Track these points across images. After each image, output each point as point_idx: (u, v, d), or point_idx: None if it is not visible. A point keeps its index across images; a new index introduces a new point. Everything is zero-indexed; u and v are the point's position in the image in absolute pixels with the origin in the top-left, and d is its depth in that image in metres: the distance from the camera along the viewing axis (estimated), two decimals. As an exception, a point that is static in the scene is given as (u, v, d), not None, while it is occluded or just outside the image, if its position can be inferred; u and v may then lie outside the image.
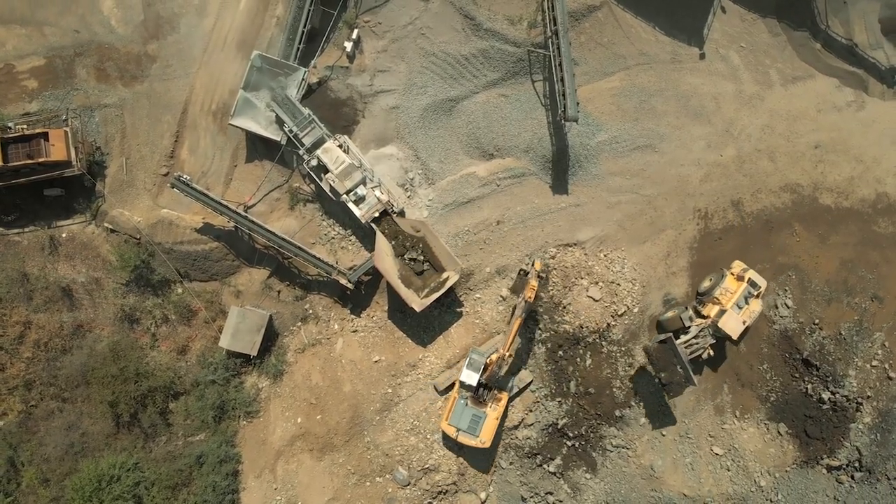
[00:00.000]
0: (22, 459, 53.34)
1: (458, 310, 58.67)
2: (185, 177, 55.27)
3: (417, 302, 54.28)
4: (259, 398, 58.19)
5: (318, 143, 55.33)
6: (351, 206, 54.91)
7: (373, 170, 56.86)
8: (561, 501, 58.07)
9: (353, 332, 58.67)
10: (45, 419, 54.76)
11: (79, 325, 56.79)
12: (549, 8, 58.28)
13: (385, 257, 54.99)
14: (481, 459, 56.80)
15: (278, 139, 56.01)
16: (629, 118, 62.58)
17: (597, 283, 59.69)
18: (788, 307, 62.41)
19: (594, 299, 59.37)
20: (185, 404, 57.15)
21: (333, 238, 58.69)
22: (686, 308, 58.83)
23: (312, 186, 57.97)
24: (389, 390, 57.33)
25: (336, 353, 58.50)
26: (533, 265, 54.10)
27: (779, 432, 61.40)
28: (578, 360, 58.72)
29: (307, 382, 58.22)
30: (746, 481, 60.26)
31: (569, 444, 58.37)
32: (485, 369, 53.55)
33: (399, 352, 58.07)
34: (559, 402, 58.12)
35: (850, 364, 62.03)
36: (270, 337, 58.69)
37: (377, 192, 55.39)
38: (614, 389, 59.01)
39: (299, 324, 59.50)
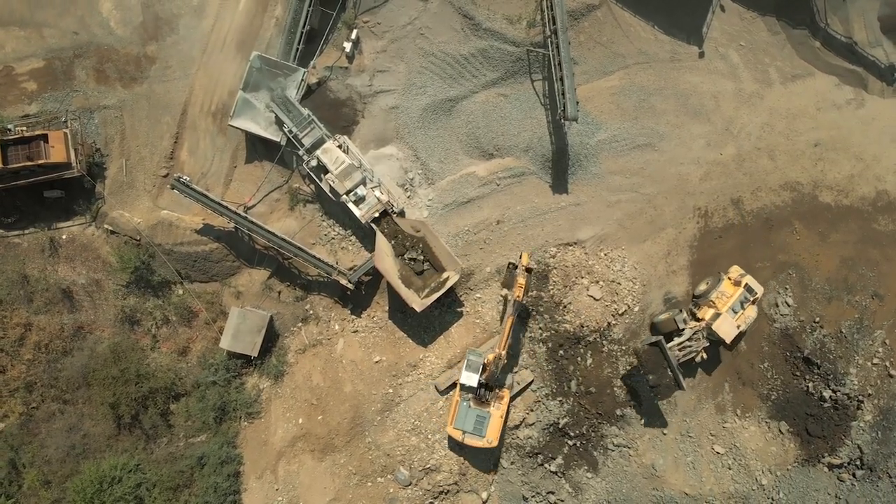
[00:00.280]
0: (23, 461, 53.36)
1: (459, 310, 58.66)
2: (184, 178, 55.26)
3: (418, 302, 54.28)
4: (260, 399, 58.16)
5: (318, 144, 55.33)
6: (351, 206, 54.89)
7: (372, 170, 56.85)
8: (562, 501, 58.05)
9: (354, 332, 58.66)
10: (46, 421, 54.78)
11: (79, 327, 56.79)
12: (548, 7, 58.24)
13: (385, 257, 54.99)
14: (483, 459, 56.79)
15: (278, 140, 56.02)
16: (629, 117, 62.56)
17: (597, 282, 59.68)
18: (789, 305, 62.39)
19: (595, 298, 59.37)
20: (186, 405, 57.14)
21: (333, 238, 58.68)
22: (681, 310, 58.81)
23: (312, 187, 57.97)
24: (390, 390, 57.33)
25: (337, 353, 58.50)
26: (520, 258, 54.05)
27: (780, 431, 61.41)
28: (579, 359, 58.72)
29: (308, 383, 58.21)
30: (748, 480, 60.28)
31: (570, 443, 58.35)
32: (483, 369, 53.59)
33: (400, 352, 58.07)
34: (560, 401, 58.11)
35: (851, 362, 62.05)
36: (271, 338, 58.67)
37: (377, 193, 55.37)
38: (615, 388, 59.00)
39: (300, 324, 59.49)
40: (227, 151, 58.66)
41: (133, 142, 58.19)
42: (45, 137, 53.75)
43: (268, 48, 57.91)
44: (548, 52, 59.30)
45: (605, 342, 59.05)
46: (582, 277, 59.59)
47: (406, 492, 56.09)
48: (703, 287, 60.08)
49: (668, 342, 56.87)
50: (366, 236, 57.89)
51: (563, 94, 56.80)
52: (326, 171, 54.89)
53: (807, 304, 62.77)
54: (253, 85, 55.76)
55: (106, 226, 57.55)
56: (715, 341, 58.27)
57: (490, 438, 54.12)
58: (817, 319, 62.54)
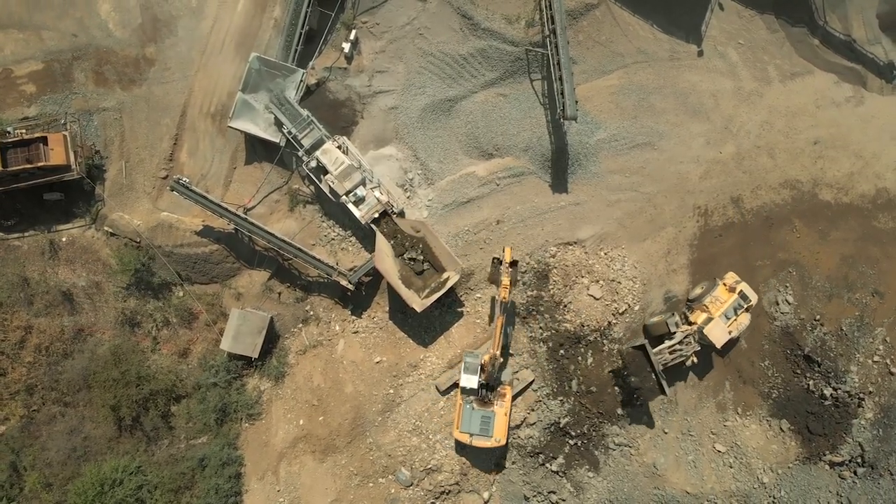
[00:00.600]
0: (24, 464, 53.36)
1: (459, 310, 58.67)
2: (184, 179, 55.24)
3: (418, 302, 54.29)
4: (261, 400, 58.17)
5: (318, 145, 55.31)
6: (350, 207, 54.88)
7: (372, 170, 56.84)
8: (564, 500, 58.07)
9: (355, 333, 58.67)
10: (47, 424, 54.77)
11: (80, 329, 56.77)
12: (546, 7, 58.21)
13: (385, 258, 54.99)
14: (484, 459, 56.83)
15: (277, 141, 56.01)
16: (628, 116, 62.53)
17: (597, 281, 59.70)
18: (789, 303, 62.37)
19: (595, 298, 59.39)
20: (186, 407, 57.13)
21: (333, 239, 58.67)
22: (673, 314, 58.79)
23: (312, 188, 57.96)
24: (391, 391, 57.33)
25: (337, 354, 58.50)
26: (503, 252, 54.11)
27: (781, 429, 61.41)
28: (580, 358, 58.72)
29: (309, 384, 58.22)
30: (749, 478, 60.29)
31: (571, 442, 58.36)
32: (482, 370, 53.67)
33: (400, 352, 58.08)
34: (561, 400, 58.12)
35: (852, 360, 62.03)
36: (271, 339, 58.67)
37: (376, 193, 55.36)
38: (616, 388, 58.98)
39: (300, 325, 59.51)
40: (227, 153, 58.63)
41: (132, 144, 58.15)
42: (44, 140, 53.68)
43: (266, 49, 57.88)
44: (547, 52, 59.27)
45: (605, 341, 59.05)
46: (582, 277, 59.60)
47: (407, 492, 56.11)
48: (697, 291, 60.04)
49: (659, 345, 57.13)
50: (366, 237, 57.88)
51: (562, 93, 56.77)
52: (326, 172, 54.88)
53: (807, 301, 62.74)
54: (252, 86, 55.75)
55: (106, 228, 57.53)
56: (707, 346, 58.18)
57: (498, 437, 54.25)
58: (818, 317, 62.52)
